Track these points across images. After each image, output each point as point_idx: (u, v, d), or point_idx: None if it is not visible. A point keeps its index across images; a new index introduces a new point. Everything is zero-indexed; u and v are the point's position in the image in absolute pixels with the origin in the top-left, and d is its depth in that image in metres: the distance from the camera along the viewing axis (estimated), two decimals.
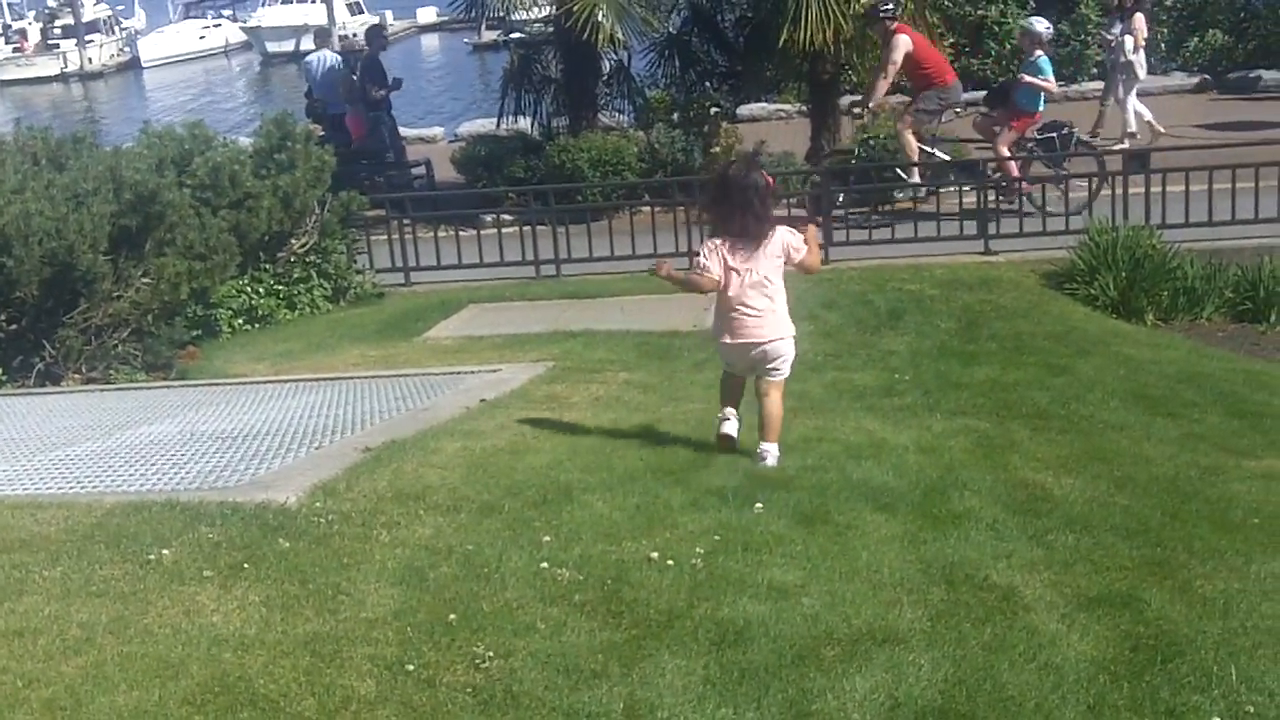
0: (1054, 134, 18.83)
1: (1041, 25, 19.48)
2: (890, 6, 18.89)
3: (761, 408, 8.46)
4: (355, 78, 24.14)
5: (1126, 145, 21.57)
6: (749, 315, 8.33)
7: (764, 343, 8.37)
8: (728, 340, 8.48)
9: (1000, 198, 18.19)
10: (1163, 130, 22.17)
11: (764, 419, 8.44)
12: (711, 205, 8.74)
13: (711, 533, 6.91)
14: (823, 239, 10.55)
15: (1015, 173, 18.61)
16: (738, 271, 8.26)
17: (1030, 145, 19.00)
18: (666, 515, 7.22)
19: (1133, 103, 22.65)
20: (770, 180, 8.41)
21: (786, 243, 8.31)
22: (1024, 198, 18.24)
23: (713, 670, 5.38)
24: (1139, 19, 22.58)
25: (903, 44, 18.83)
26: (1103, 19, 26.28)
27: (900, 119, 19.26)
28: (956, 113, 20.42)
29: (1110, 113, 23.12)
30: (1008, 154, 18.68)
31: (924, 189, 19.06)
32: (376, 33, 25.70)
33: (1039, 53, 19.09)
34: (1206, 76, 27.73)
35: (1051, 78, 19.14)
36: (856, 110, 21.10)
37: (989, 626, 5.78)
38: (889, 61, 18.94)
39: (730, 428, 8.64)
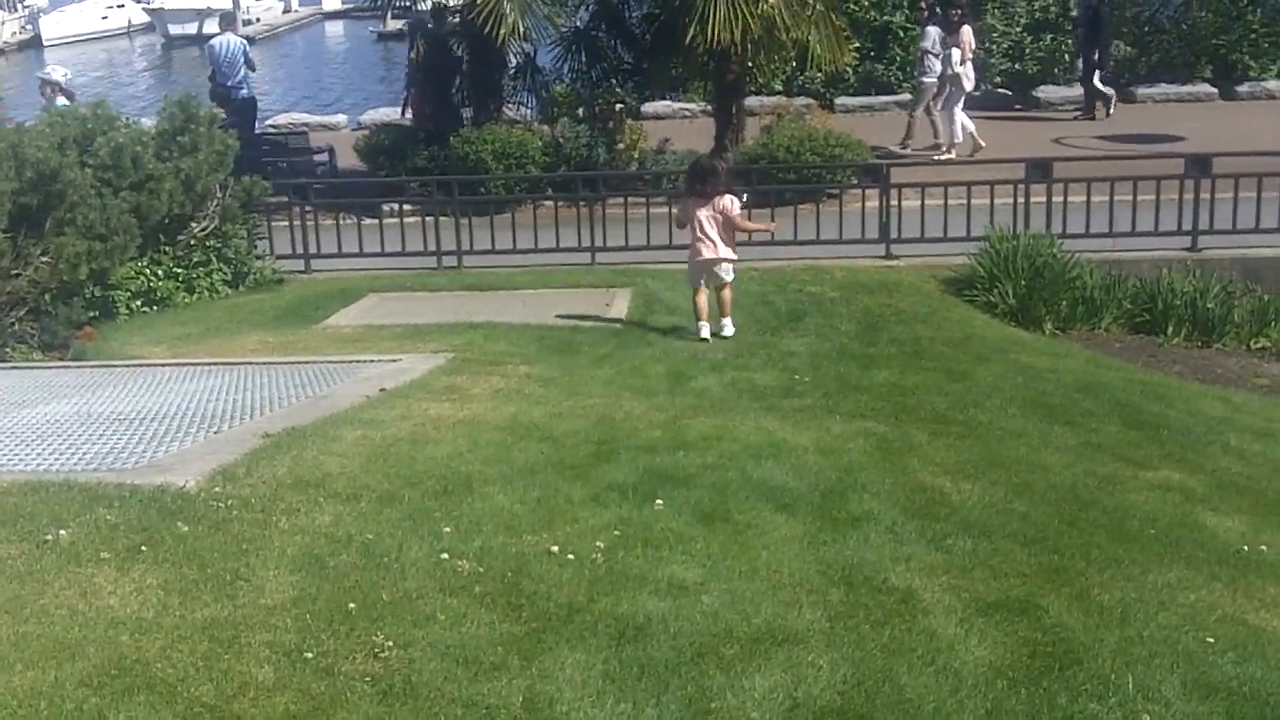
0: None
1: (59, 74, 20.11)
2: None
3: (719, 299, 13.30)
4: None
5: (951, 155, 21.98)
6: (704, 242, 13.08)
7: (714, 259, 13.11)
8: (696, 258, 13.19)
9: None
10: (984, 144, 22.60)
11: (722, 304, 13.30)
12: (689, 176, 13.65)
13: (612, 528, 6.93)
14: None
15: None
16: (699, 215, 13.06)
17: None
18: (567, 509, 7.24)
19: (959, 114, 22.96)
20: (725, 165, 14.39)
21: (725, 204, 13.04)
22: None
23: (612, 665, 5.39)
24: (966, 31, 22.98)
25: None
26: (913, 27, 26.77)
27: None
28: None
29: (920, 122, 23.59)
30: None
31: None
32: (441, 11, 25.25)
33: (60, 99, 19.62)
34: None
35: None
36: None
37: (888, 629, 5.83)
38: None
39: (705, 331, 13.06)
